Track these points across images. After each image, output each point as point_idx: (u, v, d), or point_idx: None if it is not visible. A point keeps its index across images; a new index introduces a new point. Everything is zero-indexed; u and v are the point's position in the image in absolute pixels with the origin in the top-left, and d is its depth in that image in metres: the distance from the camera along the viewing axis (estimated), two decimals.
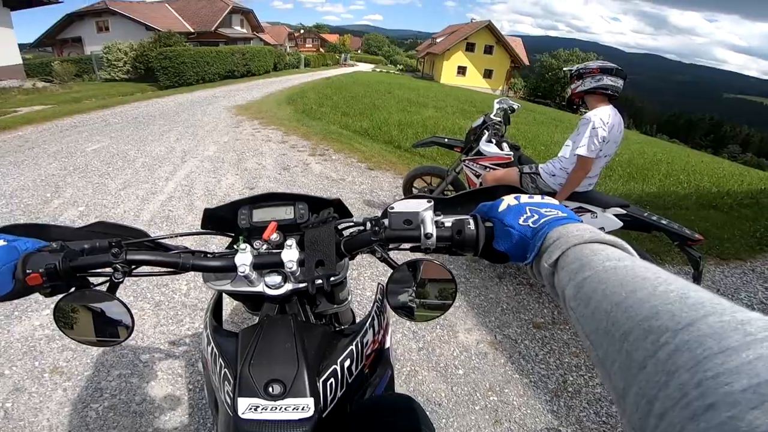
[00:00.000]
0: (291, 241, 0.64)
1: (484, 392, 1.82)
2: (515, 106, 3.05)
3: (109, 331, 0.60)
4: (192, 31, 22.02)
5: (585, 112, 2.17)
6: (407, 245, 0.62)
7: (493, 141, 2.73)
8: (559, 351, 2.10)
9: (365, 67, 39.50)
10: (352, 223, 0.69)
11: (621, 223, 2.08)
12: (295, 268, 0.62)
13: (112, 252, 0.57)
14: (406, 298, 0.63)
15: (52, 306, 0.57)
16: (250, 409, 0.54)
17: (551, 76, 35.69)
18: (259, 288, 0.66)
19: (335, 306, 0.81)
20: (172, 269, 0.62)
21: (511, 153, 2.66)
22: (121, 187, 4.00)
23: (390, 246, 0.63)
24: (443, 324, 2.23)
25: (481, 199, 0.64)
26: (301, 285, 0.66)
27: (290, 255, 0.62)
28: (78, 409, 1.60)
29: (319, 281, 0.64)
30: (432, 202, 0.62)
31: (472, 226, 0.57)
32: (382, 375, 0.80)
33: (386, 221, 0.63)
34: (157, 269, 0.62)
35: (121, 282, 0.58)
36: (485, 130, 2.79)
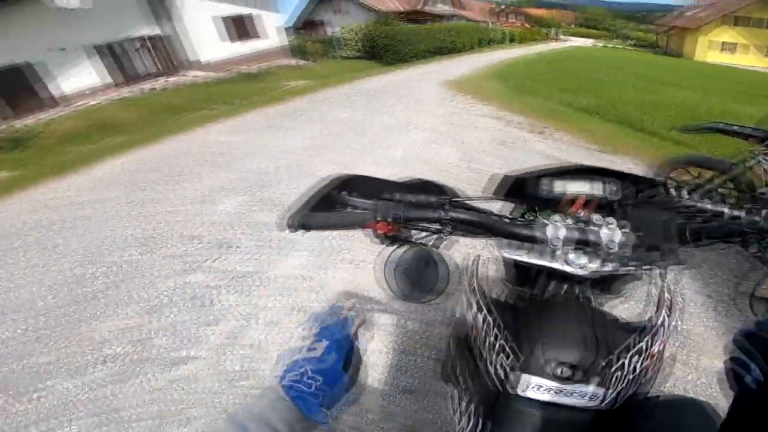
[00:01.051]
0: (611, 219, 0.59)
1: None
2: None
3: (428, 285, 0.62)
4: (402, 10, 23.60)
5: None
6: None
7: None
8: None
9: (583, 42, 34.54)
10: (695, 207, 0.62)
11: None
12: (616, 249, 0.57)
13: (441, 206, 0.58)
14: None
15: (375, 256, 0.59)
16: (534, 388, 0.53)
17: None
18: (557, 264, 0.59)
19: (612, 297, 0.71)
20: (486, 232, 0.61)
21: None
22: (362, 149, 4.62)
23: None
24: None
25: None
26: (610, 267, 0.57)
27: (612, 235, 0.57)
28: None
29: (653, 267, 0.57)
30: None
31: None
32: (665, 380, 0.71)
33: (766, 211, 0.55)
34: (465, 229, 0.61)
35: (444, 237, 0.59)
36: None
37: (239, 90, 10.10)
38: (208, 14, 13.61)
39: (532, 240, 0.60)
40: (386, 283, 0.63)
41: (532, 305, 0.64)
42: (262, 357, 1.86)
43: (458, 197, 0.66)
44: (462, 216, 0.59)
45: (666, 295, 0.75)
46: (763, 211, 0.56)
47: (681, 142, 4.37)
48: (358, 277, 2.34)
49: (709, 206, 0.62)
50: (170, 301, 2.30)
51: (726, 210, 0.58)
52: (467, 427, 0.57)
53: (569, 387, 0.53)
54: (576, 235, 0.58)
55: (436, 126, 5.40)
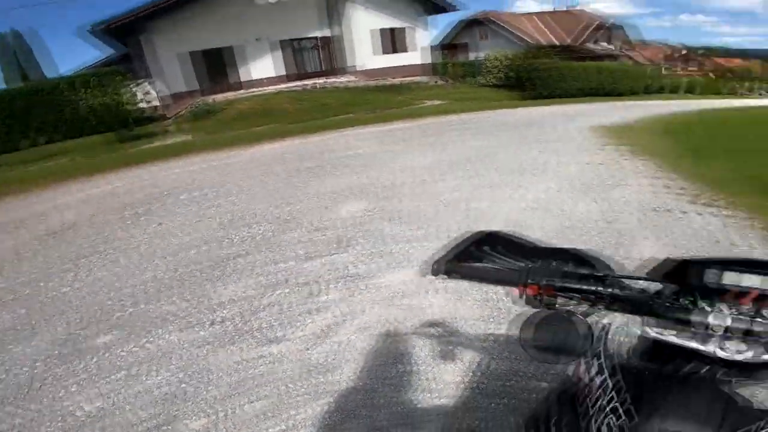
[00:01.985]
0: None
1: None
2: None
3: (567, 349, 0.63)
4: (557, 44, 22.58)
5: None
6: None
7: None
8: None
9: None
10: None
11: None
12: None
13: (596, 281, 0.62)
14: None
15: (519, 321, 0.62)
16: None
17: None
18: (708, 348, 0.60)
19: (751, 382, 0.65)
20: (638, 311, 0.63)
21: None
22: (489, 184, 4.51)
23: None
24: None
25: None
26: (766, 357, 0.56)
27: None
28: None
29: None
30: None
31: None
32: None
33: None
34: (623, 307, 0.63)
35: (590, 314, 0.62)
36: None
37: (380, 99, 10.86)
38: (368, 23, 15.00)
39: (687, 324, 0.61)
40: (521, 341, 0.65)
41: (659, 378, 0.64)
42: (344, 358, 1.93)
43: (615, 273, 0.68)
44: (619, 293, 0.62)
45: None
46: None
47: None
48: (455, 307, 2.29)
49: None
50: (285, 282, 2.57)
51: None
52: None
53: None
54: (742, 325, 0.58)
55: (579, 175, 4.93)
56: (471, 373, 1.83)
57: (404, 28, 16.48)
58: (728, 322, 0.59)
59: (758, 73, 57.57)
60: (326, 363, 1.92)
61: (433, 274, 0.72)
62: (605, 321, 0.76)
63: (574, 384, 0.73)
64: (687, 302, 0.67)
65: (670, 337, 0.66)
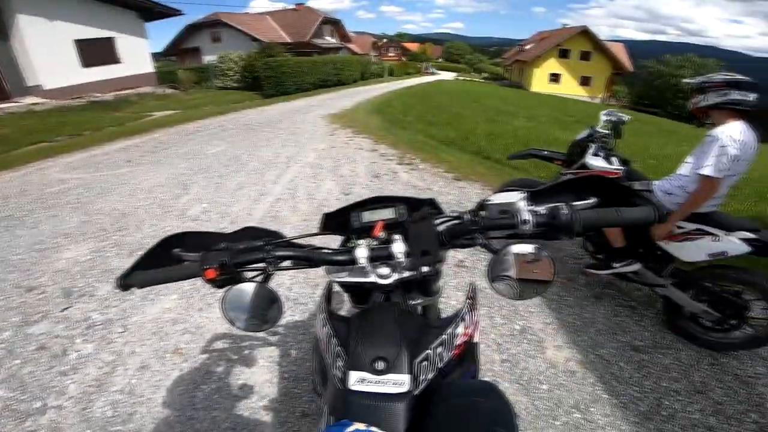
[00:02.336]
0: (398, 237, 0.72)
1: (567, 409, 1.73)
2: (625, 119, 2.82)
3: (265, 315, 0.71)
4: (289, 41, 23.50)
5: (712, 125, 1.93)
6: (505, 232, 0.68)
7: (601, 154, 2.56)
8: (658, 375, 1.93)
9: (447, 75, 39.30)
10: (449, 217, 0.77)
11: (749, 248, 1.80)
12: (402, 258, 0.70)
13: (265, 249, 0.70)
14: (507, 279, 0.69)
15: (216, 298, 0.73)
16: (359, 381, 0.62)
17: (660, 83, 31.78)
18: (372, 278, 0.75)
19: (428, 298, 0.87)
20: (307, 264, 0.74)
21: (621, 168, 2.46)
22: (236, 187, 4.52)
23: (489, 234, 0.70)
24: (530, 339, 2.16)
25: (571, 190, 0.72)
26: (407, 273, 0.75)
27: (398, 247, 0.70)
28: (189, 389, 1.80)
29: (425, 267, 0.73)
30: (526, 193, 0.69)
31: (566, 210, 0.63)
32: (469, 367, 0.85)
33: (483, 212, 0.71)
34: (292, 263, 0.74)
35: (272, 274, 0.69)
36: (591, 143, 2.63)
37: (90, 119, 8.89)
38: (59, 36, 11.68)
39: (345, 263, 0.73)
40: (227, 319, 0.70)
41: (359, 316, 0.76)
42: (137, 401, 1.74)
43: (282, 238, 0.79)
44: (284, 253, 0.71)
45: (470, 293, 0.91)
46: (481, 213, 0.73)
47: (517, 167, 5.36)
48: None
49: (455, 215, 0.77)
50: (9, 354, 1.99)
51: (465, 216, 0.73)
52: (322, 424, 0.65)
53: (384, 377, 0.62)
54: (377, 252, 0.72)
55: (317, 161, 5.60)
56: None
57: (112, 37, 13.60)
58: (366, 253, 0.71)
59: (431, 54, 78.43)
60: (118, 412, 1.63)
61: (122, 289, 0.72)
62: (327, 280, 0.85)
63: (317, 339, 0.83)
64: (349, 245, 0.78)
65: (345, 278, 0.78)
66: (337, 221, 0.87)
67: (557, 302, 2.49)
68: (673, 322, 2.21)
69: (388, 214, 0.83)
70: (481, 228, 0.69)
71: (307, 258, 0.73)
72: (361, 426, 0.54)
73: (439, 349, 0.72)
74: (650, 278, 2.22)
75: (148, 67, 15.52)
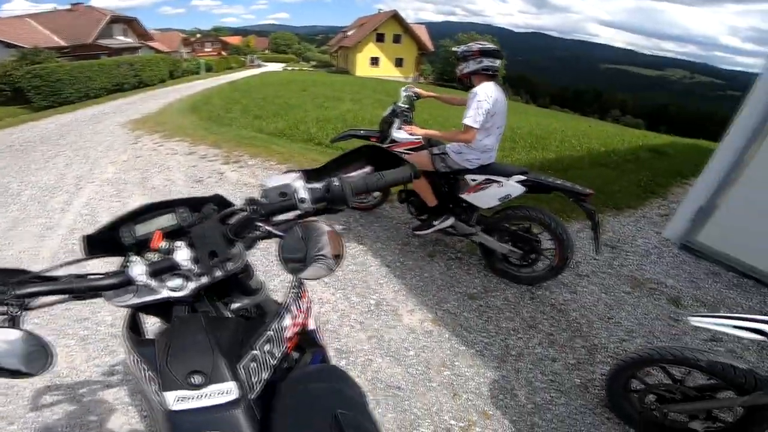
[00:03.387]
0: (180, 243, 0.67)
1: (438, 368, 1.88)
2: (417, 91, 3.11)
3: (28, 362, 0.58)
4: (65, 45, 19.73)
5: (473, 87, 2.34)
6: (288, 215, 0.68)
7: (404, 128, 2.80)
8: (496, 317, 2.24)
9: (275, 66, 38.02)
10: (233, 211, 0.72)
11: (524, 188, 2.25)
12: (190, 265, 0.65)
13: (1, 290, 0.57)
14: (302, 259, 0.69)
15: None
16: (178, 400, 0.58)
17: (455, 59, 37.51)
18: (164, 293, 0.68)
19: (251, 297, 0.83)
20: (71, 296, 0.63)
21: (421, 137, 2.75)
22: (9, 226, 3.41)
23: (273, 219, 0.68)
24: (387, 310, 2.27)
25: (347, 163, 0.75)
26: (204, 279, 0.69)
27: (182, 254, 0.65)
28: None
29: (216, 270, 0.68)
30: (300, 172, 0.69)
31: (337, 183, 0.64)
32: (313, 355, 0.84)
33: (263, 199, 0.68)
34: (56, 298, 0.62)
35: (19, 315, 0.57)
36: (395, 118, 2.84)
37: None
38: None
39: (119, 285, 0.63)
40: None
41: (163, 334, 0.69)
42: None
43: (26, 273, 0.64)
44: (31, 290, 0.58)
45: (294, 282, 0.88)
46: (262, 200, 0.69)
47: (345, 148, 5.52)
48: None
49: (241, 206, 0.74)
50: None
51: (247, 207, 0.69)
52: None
53: (205, 390, 0.58)
54: (157, 265, 0.64)
55: (118, 175, 4.64)
56: None
57: None
58: (143, 269, 0.63)
59: (254, 46, 74.36)
60: None
61: None
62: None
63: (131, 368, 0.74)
64: (125, 264, 0.69)
65: (132, 300, 0.68)
66: (104, 242, 0.76)
67: (400, 268, 2.67)
68: (492, 265, 2.58)
69: (166, 221, 0.76)
70: (262, 215, 0.65)
71: (67, 290, 0.61)
72: None
73: (267, 347, 0.70)
74: (464, 229, 2.55)
75: None
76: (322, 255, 0.70)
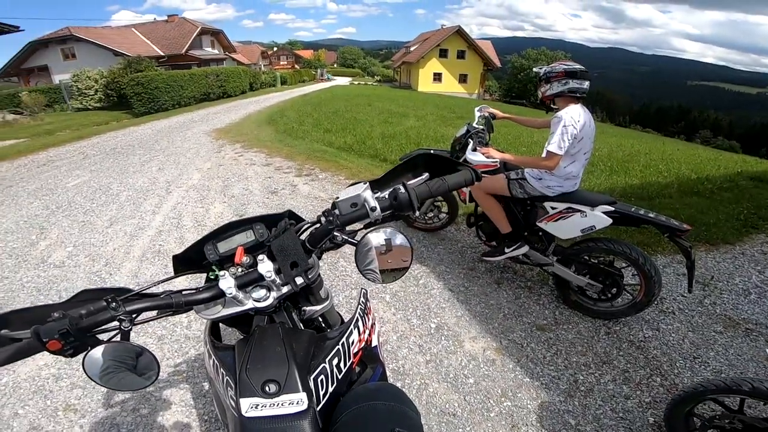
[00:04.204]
0: (262, 256, 0.72)
1: (497, 399, 1.80)
2: (493, 111, 2.99)
3: (138, 374, 0.65)
4: (162, 54, 21.73)
5: (557, 110, 2.19)
6: (360, 224, 0.74)
7: (478, 149, 2.73)
8: (566, 351, 2.11)
9: (342, 80, 39.69)
10: (308, 224, 0.80)
11: (610, 220, 2.08)
12: (273, 276, 0.71)
13: (111, 307, 0.63)
14: (372, 266, 0.74)
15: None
16: (252, 407, 0.60)
17: (523, 76, 36.47)
18: (249, 304, 0.73)
19: (319, 306, 0.87)
20: (170, 310, 0.69)
21: (497, 160, 2.66)
22: (107, 224, 3.88)
23: (347, 228, 0.74)
24: (447, 335, 2.22)
25: (406, 171, 0.79)
26: (285, 289, 0.74)
27: (266, 267, 0.70)
28: None
29: (299, 278, 0.73)
30: (368, 183, 0.73)
31: (403, 190, 0.69)
32: (374, 370, 0.86)
33: (336, 211, 0.72)
34: (155, 313, 0.69)
35: (130, 330, 0.63)
36: (470, 139, 2.76)
37: None
38: None
39: (212, 299, 0.70)
40: (96, 383, 0.62)
41: (244, 342, 0.73)
42: None
43: (129, 292, 0.70)
44: (137, 306, 0.64)
45: (362, 299, 0.93)
46: (335, 211, 0.74)
47: None
48: None
49: (314, 220, 0.80)
50: None
51: (322, 218, 0.75)
52: None
53: (278, 399, 0.61)
54: (244, 278, 0.71)
55: (203, 182, 5.09)
56: None
57: None
58: (232, 282, 0.69)
59: (325, 60, 78.04)
60: None
61: None
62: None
63: (207, 372, 0.81)
64: (212, 279, 0.77)
65: (221, 313, 0.75)
66: (191, 261, 0.83)
67: (464, 293, 2.60)
68: (566, 296, 2.43)
69: (245, 237, 0.81)
70: (338, 225, 0.71)
71: (166, 305, 0.68)
72: None
73: (335, 361, 0.73)
74: (539, 259, 2.42)
75: None
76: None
